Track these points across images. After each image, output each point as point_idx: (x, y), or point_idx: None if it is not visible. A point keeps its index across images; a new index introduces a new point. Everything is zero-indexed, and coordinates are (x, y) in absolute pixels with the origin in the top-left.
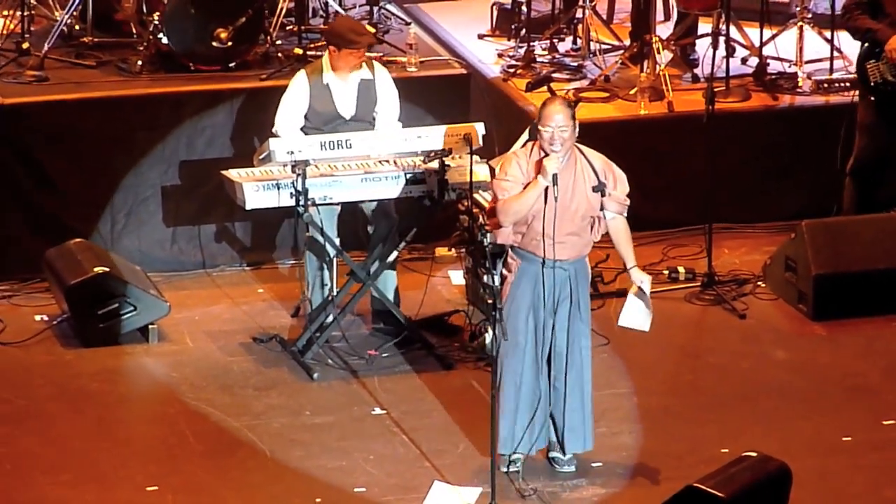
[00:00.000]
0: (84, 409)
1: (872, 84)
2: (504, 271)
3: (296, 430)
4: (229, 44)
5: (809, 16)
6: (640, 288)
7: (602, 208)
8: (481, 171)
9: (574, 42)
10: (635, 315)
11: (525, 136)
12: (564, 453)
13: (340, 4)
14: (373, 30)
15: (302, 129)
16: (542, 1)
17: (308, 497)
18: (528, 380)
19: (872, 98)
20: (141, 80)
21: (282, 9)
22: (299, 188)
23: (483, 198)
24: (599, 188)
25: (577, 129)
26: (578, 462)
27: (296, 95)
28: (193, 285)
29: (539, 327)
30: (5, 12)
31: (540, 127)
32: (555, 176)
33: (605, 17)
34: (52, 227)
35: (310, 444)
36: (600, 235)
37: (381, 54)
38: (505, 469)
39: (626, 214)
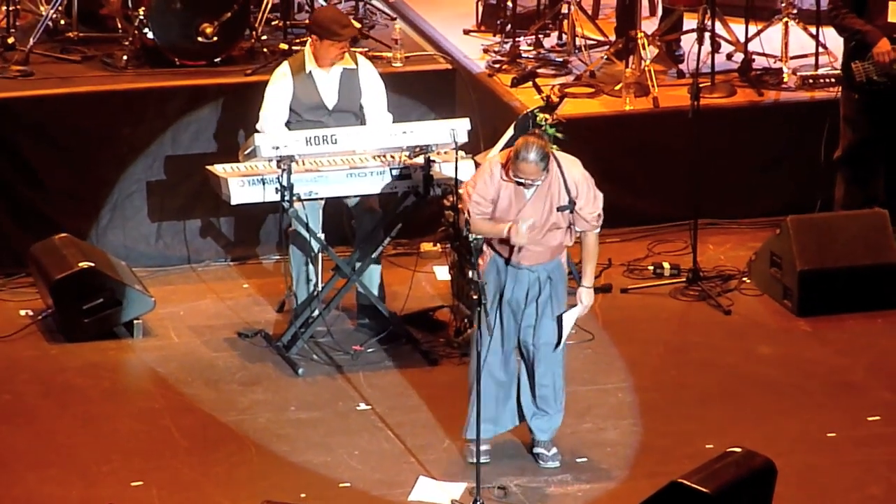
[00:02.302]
0: (69, 405)
1: (857, 83)
2: (479, 261)
3: (281, 425)
4: (214, 39)
5: (794, 11)
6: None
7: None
8: (466, 167)
9: (559, 37)
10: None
11: (510, 131)
12: (534, 441)
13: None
14: (357, 24)
15: (287, 122)
16: None
17: (293, 492)
18: (493, 369)
19: (857, 96)
20: (126, 75)
21: (267, 4)
22: (284, 183)
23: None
24: (567, 208)
25: (554, 156)
26: (563, 458)
27: (280, 88)
28: (178, 280)
29: (506, 319)
30: None
31: (512, 172)
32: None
33: (590, 12)
34: (37, 221)
35: (295, 439)
36: (573, 241)
37: (366, 49)
38: (472, 460)
39: (598, 230)
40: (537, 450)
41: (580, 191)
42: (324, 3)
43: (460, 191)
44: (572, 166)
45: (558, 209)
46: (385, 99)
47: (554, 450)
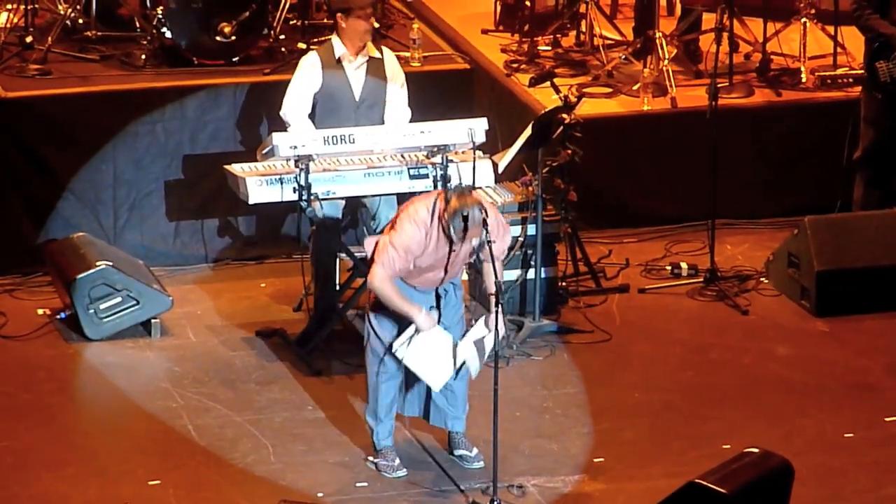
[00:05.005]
0: (86, 404)
1: (881, 83)
2: None
3: (298, 424)
4: (233, 38)
5: (813, 11)
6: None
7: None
8: (484, 167)
9: (577, 37)
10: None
11: (528, 131)
12: (454, 443)
13: None
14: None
15: (311, 114)
16: None
17: (310, 492)
18: (392, 370)
19: (879, 95)
20: (144, 74)
21: (285, 3)
22: (302, 183)
23: (486, 193)
24: (479, 249)
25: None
26: (580, 457)
27: (307, 78)
28: (196, 280)
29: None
30: (9, 6)
31: (459, 233)
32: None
33: (608, 12)
34: (55, 220)
35: (312, 438)
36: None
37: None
38: (389, 474)
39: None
40: (459, 451)
41: (498, 233)
42: None
43: (371, 241)
44: (490, 209)
45: (477, 249)
46: (406, 91)
47: (475, 450)
